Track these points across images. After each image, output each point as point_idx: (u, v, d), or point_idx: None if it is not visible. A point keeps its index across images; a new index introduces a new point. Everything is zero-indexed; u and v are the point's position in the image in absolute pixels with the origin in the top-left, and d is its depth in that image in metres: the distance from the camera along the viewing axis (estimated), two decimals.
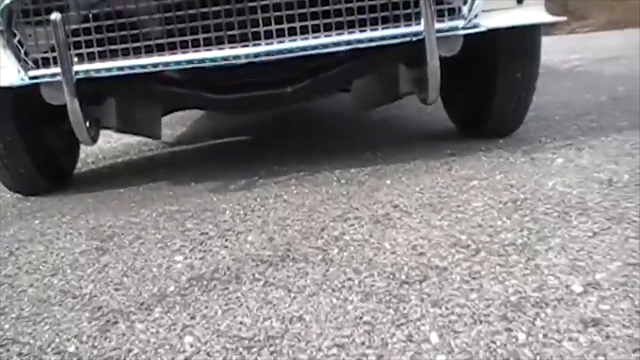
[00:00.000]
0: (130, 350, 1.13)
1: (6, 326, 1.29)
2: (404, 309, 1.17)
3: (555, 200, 1.68)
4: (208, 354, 1.09)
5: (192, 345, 1.12)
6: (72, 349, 1.16)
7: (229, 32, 2.01)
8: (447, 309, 1.15)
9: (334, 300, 1.24)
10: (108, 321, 1.26)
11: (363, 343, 1.07)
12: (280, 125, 3.88)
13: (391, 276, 1.32)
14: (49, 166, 2.55)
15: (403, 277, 1.31)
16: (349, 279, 1.33)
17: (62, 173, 2.68)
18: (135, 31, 2.03)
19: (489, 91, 2.40)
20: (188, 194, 2.24)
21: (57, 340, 1.21)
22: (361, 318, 1.15)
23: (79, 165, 2.99)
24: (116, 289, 1.42)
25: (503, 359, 0.99)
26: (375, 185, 2.04)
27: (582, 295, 1.14)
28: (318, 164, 2.43)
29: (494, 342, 1.03)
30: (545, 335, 1.03)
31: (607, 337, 1.00)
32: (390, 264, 1.38)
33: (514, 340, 1.03)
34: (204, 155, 3.19)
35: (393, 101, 2.64)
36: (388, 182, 2.05)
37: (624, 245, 1.34)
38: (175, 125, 4.29)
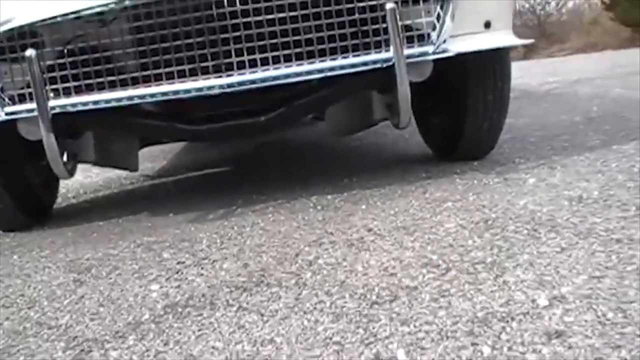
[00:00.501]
0: None
1: None
2: (374, 328, 1.19)
3: (526, 218, 1.71)
4: None
5: None
6: None
7: (202, 64, 2.05)
8: (415, 327, 1.17)
9: (305, 322, 1.25)
10: (82, 350, 1.27)
11: None
12: (259, 155, 3.91)
13: (362, 297, 1.33)
14: (28, 201, 2.56)
15: (374, 297, 1.33)
16: (321, 301, 1.34)
17: (41, 208, 2.69)
18: (110, 65, 2.06)
19: (461, 114, 2.44)
20: (166, 224, 2.25)
21: None
22: (331, 338, 1.17)
23: (59, 200, 3.00)
24: (92, 319, 1.43)
25: None
26: (351, 210, 2.06)
27: (547, 308, 1.17)
28: (295, 191, 2.45)
29: (459, 357, 1.04)
30: (509, 349, 1.04)
31: (570, 347, 1.02)
32: (361, 286, 1.40)
33: (479, 354, 1.04)
34: (184, 187, 3.21)
35: (368, 127, 2.68)
36: (363, 206, 2.08)
37: (590, 259, 1.37)
38: (156, 158, 4.32)
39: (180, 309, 1.41)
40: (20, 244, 2.31)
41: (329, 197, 2.28)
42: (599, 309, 1.13)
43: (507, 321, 1.14)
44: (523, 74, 6.68)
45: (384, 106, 2.42)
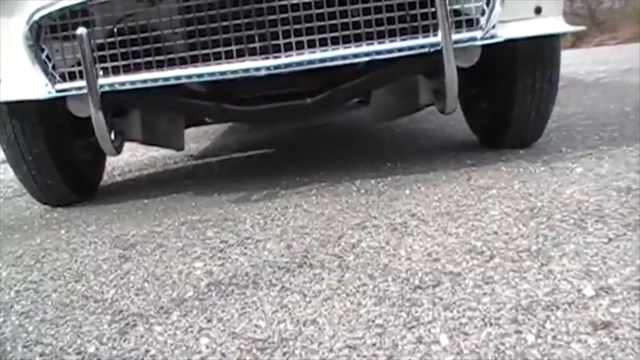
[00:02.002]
0: (147, 351, 1.16)
1: (30, 328, 1.33)
2: (416, 312, 1.19)
3: (573, 208, 1.68)
4: (223, 354, 1.12)
5: (207, 347, 1.15)
6: (92, 349, 1.20)
7: (250, 45, 2.05)
8: (458, 312, 1.17)
9: (348, 305, 1.26)
10: (127, 324, 1.30)
11: (374, 344, 1.09)
12: (304, 137, 3.92)
13: (405, 281, 1.33)
14: (76, 178, 2.61)
15: (417, 282, 1.32)
16: (364, 284, 1.35)
17: (88, 185, 2.74)
18: (158, 45, 2.08)
19: (508, 102, 2.41)
20: (210, 204, 2.27)
21: (78, 341, 1.24)
22: (373, 321, 1.17)
23: (105, 177, 3.05)
24: (136, 294, 1.46)
25: (511, 359, 1.00)
26: (394, 194, 2.06)
27: (593, 299, 1.15)
28: (339, 175, 2.45)
29: (502, 344, 1.04)
30: (554, 337, 1.04)
31: (616, 339, 1.01)
32: (404, 270, 1.39)
33: (522, 342, 1.04)
34: (228, 168, 3.23)
35: (412, 112, 2.66)
36: (407, 191, 2.07)
37: (638, 251, 1.34)
38: (200, 139, 4.36)
39: (223, 287, 1.43)
40: (68, 219, 2.35)
41: (373, 181, 2.28)
42: None
43: (552, 310, 1.13)
44: (571, 62, 6.55)
45: (430, 91, 2.39)
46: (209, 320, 1.26)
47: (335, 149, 3.25)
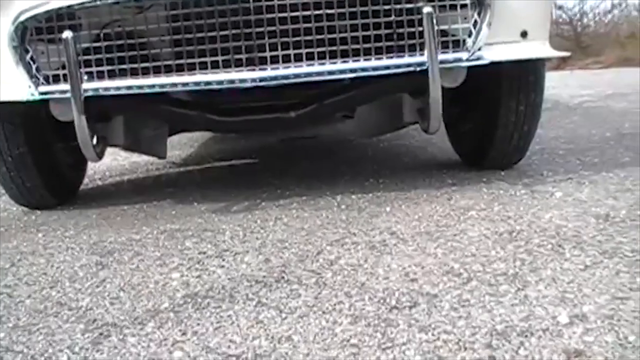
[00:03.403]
0: None
1: (1, 334, 1.32)
2: (391, 333, 1.19)
3: (551, 232, 1.70)
4: None
5: None
6: (64, 359, 1.18)
7: (236, 56, 2.05)
8: (433, 335, 1.17)
9: (323, 322, 1.25)
10: (101, 334, 1.28)
11: None
12: (286, 149, 3.92)
13: (381, 301, 1.33)
14: (56, 181, 2.59)
15: (393, 302, 1.33)
16: (340, 302, 1.35)
17: (68, 188, 2.72)
18: (144, 52, 2.08)
19: (491, 123, 2.43)
20: (190, 213, 2.26)
21: (50, 350, 1.23)
22: (348, 340, 1.17)
23: (85, 181, 3.03)
24: (111, 303, 1.45)
25: None
26: (375, 211, 2.06)
27: (567, 326, 1.16)
28: (320, 189, 2.45)
29: None
30: None
31: None
32: (381, 289, 1.40)
33: None
34: (209, 177, 3.22)
35: (396, 129, 2.67)
36: (387, 209, 2.08)
37: (614, 279, 1.35)
38: (183, 146, 4.34)
39: (199, 300, 1.42)
40: (45, 222, 2.33)
41: (354, 196, 2.28)
42: (620, 331, 1.12)
43: (526, 336, 1.13)
44: (555, 85, 6.61)
45: (414, 110, 2.41)
46: (184, 333, 1.26)
47: (317, 162, 3.25)
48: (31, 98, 2.11)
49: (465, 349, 1.11)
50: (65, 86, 2.06)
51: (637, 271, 1.38)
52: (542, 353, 1.07)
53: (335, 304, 1.34)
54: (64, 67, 2.06)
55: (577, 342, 1.10)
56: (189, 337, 1.24)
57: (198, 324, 1.29)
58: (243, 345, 1.19)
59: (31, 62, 2.10)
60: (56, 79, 2.11)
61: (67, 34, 1.97)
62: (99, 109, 2.20)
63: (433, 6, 2.01)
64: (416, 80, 2.09)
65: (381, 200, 2.20)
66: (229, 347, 1.18)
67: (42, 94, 2.11)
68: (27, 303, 1.50)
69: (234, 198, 2.43)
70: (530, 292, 1.32)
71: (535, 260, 1.50)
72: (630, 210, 1.85)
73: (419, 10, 2.04)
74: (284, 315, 1.30)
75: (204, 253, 1.76)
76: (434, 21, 1.99)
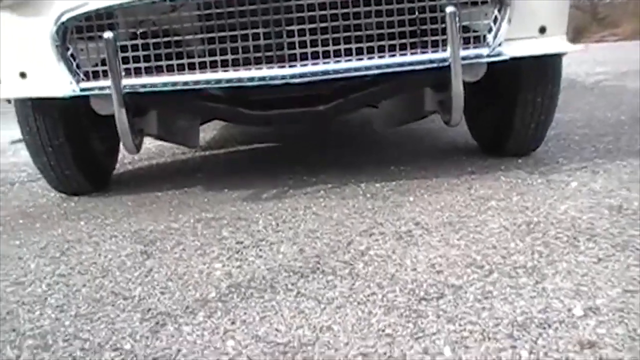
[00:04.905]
0: (179, 351, 1.28)
1: (67, 322, 1.45)
2: (422, 323, 1.31)
3: (566, 224, 1.81)
4: (249, 357, 1.24)
5: (234, 349, 1.27)
6: (127, 346, 1.32)
7: (267, 53, 2.16)
8: (460, 325, 1.29)
9: (360, 313, 1.38)
10: (157, 323, 1.41)
11: (385, 353, 1.21)
12: (308, 134, 4.03)
13: (411, 292, 1.46)
14: (92, 168, 2.73)
15: (422, 293, 1.45)
16: (373, 293, 1.47)
17: (102, 174, 2.85)
18: (179, 49, 2.19)
19: (510, 114, 2.53)
20: (222, 201, 2.39)
21: (114, 338, 1.36)
22: (383, 330, 1.29)
23: (117, 165, 3.16)
24: (162, 293, 1.58)
25: None
26: (399, 200, 2.18)
27: (582, 318, 1.28)
28: (344, 176, 2.57)
29: (499, 359, 1.16)
30: (545, 354, 1.16)
31: (600, 358, 1.13)
32: (410, 281, 1.52)
33: (517, 357, 1.16)
34: (235, 162, 3.35)
35: (418, 119, 2.78)
36: (411, 198, 2.19)
37: (625, 272, 1.47)
38: (206, 129, 4.44)
39: (243, 290, 1.55)
40: (85, 209, 2.47)
41: (378, 185, 2.40)
42: (630, 323, 1.24)
43: (545, 327, 1.25)
44: (571, 61, 6.65)
45: (435, 100, 2.51)
46: (233, 322, 1.38)
47: (340, 149, 3.36)
48: (73, 94, 2.24)
49: (489, 339, 1.23)
50: (105, 82, 2.18)
51: None
52: (558, 344, 1.19)
53: (369, 295, 1.46)
54: (102, 63, 2.18)
55: (590, 334, 1.22)
56: (238, 326, 1.37)
57: (245, 314, 1.42)
58: (288, 334, 1.31)
59: (72, 60, 2.21)
60: (95, 75, 2.23)
61: (108, 34, 2.08)
62: (136, 103, 2.31)
63: (455, 3, 2.11)
64: (438, 75, 2.19)
65: (404, 189, 2.32)
66: (276, 335, 1.31)
67: (82, 90, 2.23)
68: (84, 292, 1.63)
69: (262, 185, 2.55)
70: (548, 285, 1.44)
71: (552, 252, 1.62)
72: None
73: (441, 8, 2.13)
74: (322, 305, 1.43)
75: (241, 243, 1.89)
76: (457, 19, 2.08)
